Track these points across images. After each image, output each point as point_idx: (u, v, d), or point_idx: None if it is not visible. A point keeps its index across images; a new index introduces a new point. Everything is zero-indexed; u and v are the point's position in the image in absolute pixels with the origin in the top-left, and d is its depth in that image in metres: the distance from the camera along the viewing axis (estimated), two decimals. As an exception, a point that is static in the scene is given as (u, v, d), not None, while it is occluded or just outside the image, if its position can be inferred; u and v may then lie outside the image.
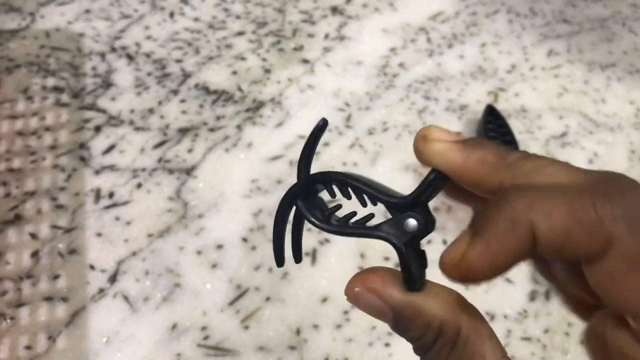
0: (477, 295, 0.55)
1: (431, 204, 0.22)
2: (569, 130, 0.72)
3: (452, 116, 0.71)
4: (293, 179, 0.64)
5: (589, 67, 0.80)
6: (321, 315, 0.53)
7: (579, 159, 0.69)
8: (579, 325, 0.48)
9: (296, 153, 0.64)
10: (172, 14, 0.77)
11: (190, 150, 0.63)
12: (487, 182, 0.21)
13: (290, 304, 0.53)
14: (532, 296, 0.56)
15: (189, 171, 0.61)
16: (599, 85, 0.78)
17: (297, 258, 0.24)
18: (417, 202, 0.21)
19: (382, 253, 0.57)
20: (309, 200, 0.23)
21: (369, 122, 0.69)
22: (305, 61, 0.74)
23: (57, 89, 0.66)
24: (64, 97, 0.65)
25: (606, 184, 0.19)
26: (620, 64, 0.81)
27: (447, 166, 0.21)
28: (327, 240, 0.58)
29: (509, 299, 0.56)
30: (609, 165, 0.69)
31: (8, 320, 0.50)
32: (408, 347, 0.22)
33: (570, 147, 0.70)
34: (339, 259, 0.57)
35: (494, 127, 0.68)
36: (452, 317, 0.21)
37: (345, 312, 0.53)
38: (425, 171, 0.22)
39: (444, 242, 0.58)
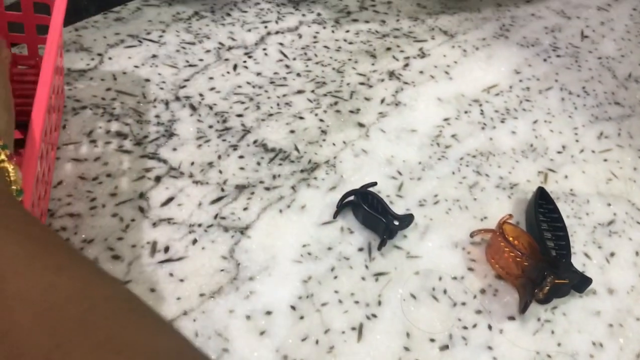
0: None
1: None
2: (617, 218, 0.72)
3: (503, 194, 0.71)
4: (343, 247, 0.64)
5: (639, 153, 0.80)
6: (366, 396, 0.53)
7: (626, 250, 0.69)
8: None
9: (347, 220, 0.65)
10: (235, 67, 0.78)
11: (245, 209, 0.64)
12: None
13: (336, 381, 0.53)
14: None
15: (244, 230, 0.62)
16: (649, 175, 0.78)
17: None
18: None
19: (427, 334, 0.58)
20: None
21: (420, 193, 0.69)
22: (361, 125, 0.75)
23: (121, 135, 0.67)
24: (127, 144, 0.67)
25: None
26: (671, 153, 0.81)
27: None
28: (374, 316, 0.58)
29: None
30: (656, 260, 0.69)
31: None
32: None
33: (617, 237, 0.70)
34: (385, 336, 0.57)
35: (544, 211, 0.68)
36: None
37: (390, 395, 0.53)
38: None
39: (489, 327, 0.59)
